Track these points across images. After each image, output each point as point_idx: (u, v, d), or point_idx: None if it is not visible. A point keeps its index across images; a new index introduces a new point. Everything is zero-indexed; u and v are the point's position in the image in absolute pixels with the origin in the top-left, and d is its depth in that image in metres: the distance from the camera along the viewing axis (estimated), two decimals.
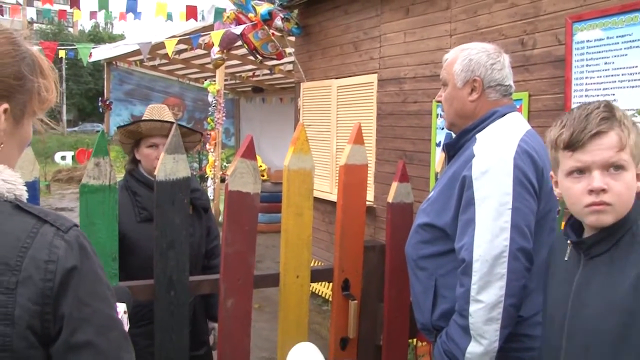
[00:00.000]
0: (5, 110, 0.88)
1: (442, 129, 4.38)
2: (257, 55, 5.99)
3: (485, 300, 1.43)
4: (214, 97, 9.06)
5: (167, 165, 1.71)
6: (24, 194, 0.89)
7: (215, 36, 5.73)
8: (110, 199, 1.67)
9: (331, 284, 2.08)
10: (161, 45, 8.28)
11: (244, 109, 16.57)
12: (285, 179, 1.91)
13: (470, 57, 1.65)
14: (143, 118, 2.35)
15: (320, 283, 5.44)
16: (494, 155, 1.51)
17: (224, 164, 10.94)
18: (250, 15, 5.85)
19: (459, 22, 4.25)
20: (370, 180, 4.74)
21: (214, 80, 9.37)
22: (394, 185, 2.07)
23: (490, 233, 1.44)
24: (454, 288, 1.53)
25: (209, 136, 9.26)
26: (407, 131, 4.74)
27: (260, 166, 10.92)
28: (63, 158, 18.26)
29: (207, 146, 9.13)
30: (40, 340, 0.82)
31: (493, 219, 1.44)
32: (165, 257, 1.73)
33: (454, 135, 1.74)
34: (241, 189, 1.81)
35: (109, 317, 0.89)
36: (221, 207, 10.09)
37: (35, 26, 34.65)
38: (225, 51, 6.96)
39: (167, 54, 10.99)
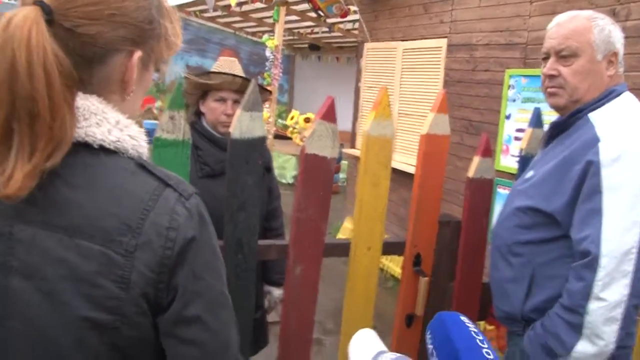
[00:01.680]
0: (139, 58, 0.83)
1: (514, 100, 4.16)
2: (322, 14, 5.83)
3: (608, 299, 1.30)
4: (271, 52, 8.93)
5: (243, 122, 1.62)
6: (145, 152, 0.85)
7: None
8: (183, 154, 1.61)
9: (400, 259, 1.99)
10: None
11: (299, 66, 16.41)
12: (364, 146, 1.81)
13: (609, 29, 1.48)
14: (213, 70, 2.27)
15: (389, 257, 5.38)
16: (626, 141, 1.36)
17: (278, 120, 10.90)
18: None
19: None
20: None
21: (273, 35, 9.24)
22: (476, 159, 1.94)
23: (622, 226, 1.30)
24: (555, 279, 1.41)
25: None
26: (474, 101, 4.53)
27: None
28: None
29: (268, 88, 9.07)
30: (151, 308, 0.79)
31: (626, 211, 1.31)
32: (236, 219, 1.67)
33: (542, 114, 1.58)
34: (318, 153, 1.71)
35: (221, 293, 0.85)
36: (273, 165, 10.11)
37: None
38: None
39: (226, 5, 10.92)
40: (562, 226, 1.42)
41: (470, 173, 1.95)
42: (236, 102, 2.17)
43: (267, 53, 9.09)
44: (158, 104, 14.01)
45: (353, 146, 6.58)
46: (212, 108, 2.18)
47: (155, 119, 15.63)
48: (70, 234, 0.76)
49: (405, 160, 5.37)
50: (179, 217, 0.80)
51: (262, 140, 1.67)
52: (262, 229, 2.34)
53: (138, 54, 0.83)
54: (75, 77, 0.76)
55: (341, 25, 11.59)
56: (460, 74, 4.69)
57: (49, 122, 0.72)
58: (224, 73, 2.18)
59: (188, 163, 1.61)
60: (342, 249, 1.87)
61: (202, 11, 13.18)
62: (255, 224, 1.70)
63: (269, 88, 9.02)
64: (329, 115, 1.71)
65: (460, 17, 4.73)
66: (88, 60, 0.78)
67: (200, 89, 2.20)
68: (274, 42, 8.97)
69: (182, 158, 1.60)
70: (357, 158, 6.37)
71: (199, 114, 2.25)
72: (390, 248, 1.97)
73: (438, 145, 1.91)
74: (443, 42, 4.90)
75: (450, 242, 1.97)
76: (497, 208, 4.14)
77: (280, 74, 9.26)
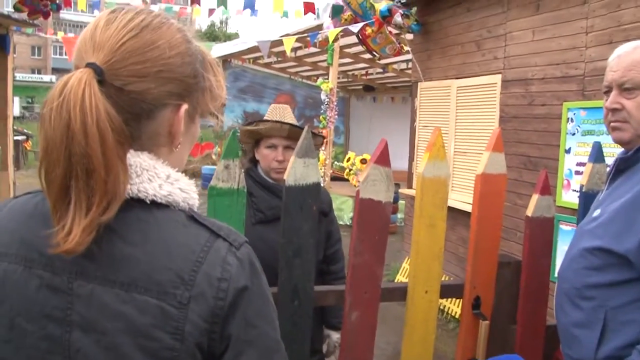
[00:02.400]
0: (185, 111, 0.87)
1: (573, 134, 4.04)
2: (376, 54, 5.93)
3: None
4: (326, 95, 9.10)
5: (297, 169, 1.66)
6: (196, 204, 0.88)
7: (332, 34, 5.71)
8: (238, 202, 1.65)
9: (460, 300, 1.94)
10: (275, 43, 8.45)
11: (354, 108, 16.60)
12: (419, 187, 1.80)
13: None
14: (265, 118, 2.34)
15: (448, 300, 5.26)
16: None
17: (334, 162, 10.98)
18: (368, 30, 5.79)
19: (597, 18, 3.89)
20: None
21: (327, 79, 9.43)
22: (535, 197, 1.89)
23: None
24: (631, 323, 1.33)
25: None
26: (532, 136, 4.44)
27: None
28: None
29: (322, 134, 9.19)
30: (205, 358, 0.81)
31: None
32: (291, 265, 1.68)
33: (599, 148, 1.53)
34: (373, 197, 1.72)
35: (274, 340, 0.86)
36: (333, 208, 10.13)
37: None
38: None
39: (280, 51, 11.26)
40: (637, 268, 1.35)
41: (529, 212, 1.90)
42: (288, 147, 2.21)
43: (322, 96, 9.28)
44: (216, 149, 14.45)
45: (410, 186, 6.54)
46: (264, 155, 2.25)
47: (214, 164, 16.10)
48: (126, 289, 0.78)
49: (463, 198, 5.28)
50: (230, 267, 0.82)
51: (316, 186, 1.69)
52: (322, 273, 2.34)
53: (184, 107, 0.86)
54: (127, 133, 0.79)
55: (395, 66, 11.72)
56: (516, 110, 4.62)
57: (103, 177, 0.75)
58: (272, 121, 2.23)
59: (243, 211, 1.65)
60: (399, 294, 1.84)
61: (257, 58, 13.64)
62: (311, 270, 1.71)
63: (324, 131, 9.17)
64: (383, 159, 1.72)
65: (514, 53, 4.69)
66: (137, 116, 0.82)
67: (252, 137, 2.26)
68: (328, 85, 9.16)
69: (238, 206, 1.64)
70: (414, 198, 6.32)
71: (254, 161, 2.31)
72: (449, 291, 1.93)
73: (495, 185, 1.88)
74: (497, 78, 4.87)
75: (510, 283, 1.91)
76: (560, 245, 4.00)
77: (336, 116, 9.42)
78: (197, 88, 0.88)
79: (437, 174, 1.81)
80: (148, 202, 0.82)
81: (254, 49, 10.82)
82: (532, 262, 1.90)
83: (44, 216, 0.81)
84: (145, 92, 0.80)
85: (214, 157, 15.76)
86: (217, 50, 12.35)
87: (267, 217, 2.15)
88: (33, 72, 47.43)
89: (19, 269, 0.81)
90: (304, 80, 15.76)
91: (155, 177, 0.83)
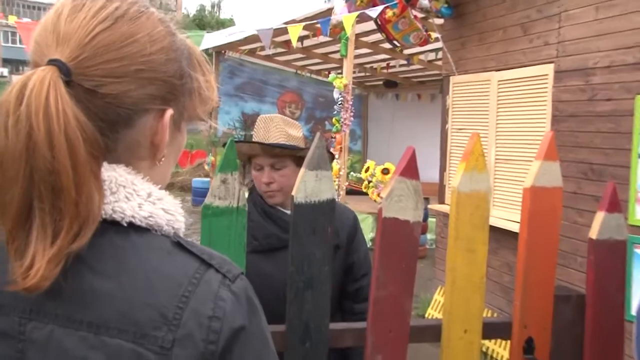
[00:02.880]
0: (171, 117, 0.86)
1: None
2: (398, 44, 5.95)
3: None
4: (340, 93, 9.13)
5: (307, 184, 1.66)
6: (182, 227, 0.87)
7: (347, 20, 5.74)
8: (238, 224, 1.66)
9: (508, 342, 1.93)
10: (278, 32, 8.49)
11: (374, 107, 16.62)
12: (454, 205, 1.79)
13: None
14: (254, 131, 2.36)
15: (492, 341, 5.22)
16: None
17: (350, 173, 10.99)
18: (388, 13, 5.82)
19: None
20: None
21: (340, 73, 9.45)
22: (600, 215, 1.88)
23: None
24: None
25: (333, 140, 9.34)
26: (595, 138, 4.42)
27: None
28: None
29: (331, 151, 9.20)
30: None
31: None
32: (301, 299, 1.68)
33: None
34: (399, 216, 1.72)
35: None
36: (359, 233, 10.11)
37: None
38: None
39: (285, 41, 11.33)
40: None
41: (594, 233, 1.88)
42: (274, 167, 2.24)
43: (335, 94, 9.29)
44: (210, 159, 14.53)
45: (442, 201, 6.53)
46: (253, 177, 2.30)
47: (207, 176, 16.17)
48: (95, 331, 0.76)
49: (507, 216, 5.26)
50: (224, 303, 0.80)
51: (330, 203, 1.70)
52: (345, 312, 2.34)
53: (169, 113, 0.86)
54: (101, 145, 0.78)
55: (421, 56, 11.74)
56: (574, 107, 4.61)
57: (74, 197, 0.73)
58: (249, 142, 2.25)
59: (244, 234, 1.66)
60: (432, 333, 1.83)
61: (256, 49, 13.71)
62: (325, 305, 1.70)
63: (338, 135, 9.19)
64: (410, 170, 1.72)
65: (571, 36, 4.69)
66: (112, 124, 0.81)
67: (240, 157, 2.29)
68: (342, 81, 9.18)
69: (237, 228, 1.64)
70: (446, 215, 6.30)
71: None
72: (494, 330, 1.91)
73: (547, 200, 1.87)
74: (549, 69, 4.87)
75: (572, 322, 1.89)
76: (636, 275, 3.94)
77: (352, 118, 9.43)
78: (183, 90, 0.88)
79: (476, 188, 1.80)
80: (125, 224, 0.81)
81: (253, 39, 10.86)
82: (600, 295, 1.88)
83: None
84: (122, 95, 0.80)
85: (207, 167, 15.84)
86: (209, 40, 12.43)
87: (262, 246, 2.19)
88: None
89: None
90: (313, 76, 15.82)
91: (134, 194, 0.82)
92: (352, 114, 9.43)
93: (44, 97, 0.72)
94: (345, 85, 9.19)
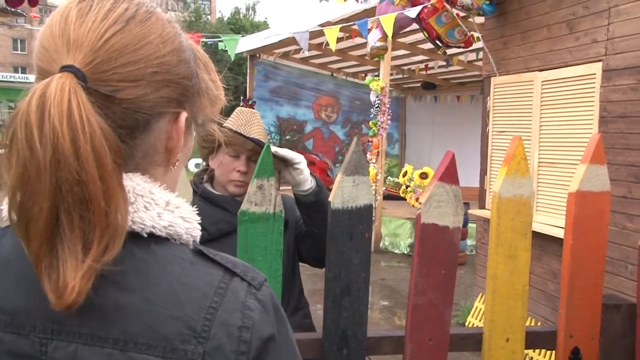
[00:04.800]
0: (185, 120, 0.86)
1: None
2: (441, 44, 5.91)
3: None
4: (377, 96, 9.13)
5: (345, 189, 1.67)
6: (199, 235, 0.87)
7: (386, 21, 5.73)
8: (275, 229, 1.68)
9: (553, 352, 1.91)
10: (314, 34, 8.53)
11: (411, 110, 16.57)
12: (495, 210, 1.79)
13: None
14: (227, 123, 2.34)
15: (536, 351, 5.15)
16: None
17: (387, 177, 10.95)
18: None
19: None
20: None
21: (377, 76, 9.45)
22: None
23: None
24: None
25: (370, 143, 9.34)
26: None
27: None
28: (197, 166, 19.60)
29: (368, 156, 9.21)
30: None
31: None
32: (339, 306, 1.70)
33: None
34: (438, 222, 1.72)
35: None
36: (383, 231, 10.13)
37: (170, 14, 38.21)
38: (387, 37, 6.93)
39: (318, 43, 11.37)
40: None
41: None
42: (250, 158, 2.24)
43: (372, 97, 9.31)
44: None
45: (482, 206, 6.47)
46: (223, 163, 2.25)
47: None
48: (122, 347, 0.75)
49: (550, 221, 5.19)
50: (252, 312, 0.80)
51: (368, 209, 1.71)
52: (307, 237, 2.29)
53: (184, 116, 0.86)
54: (123, 153, 0.77)
55: (461, 57, 11.67)
56: (624, 107, 4.53)
57: (103, 207, 0.72)
58: (233, 131, 2.23)
59: (281, 241, 1.68)
60: (473, 342, 1.83)
61: (290, 52, 13.78)
62: (364, 312, 1.72)
63: (375, 139, 9.18)
64: (450, 175, 1.72)
65: (622, 32, 4.60)
66: (131, 130, 0.80)
67: (212, 143, 2.26)
68: (379, 84, 9.19)
69: (274, 235, 1.67)
70: (487, 220, 6.25)
71: (206, 170, 2.34)
72: (537, 340, 1.90)
73: (594, 205, 1.85)
74: (597, 67, 4.79)
75: (622, 333, 1.87)
76: None
77: (389, 122, 9.42)
78: (194, 91, 0.88)
79: (518, 193, 1.80)
80: (145, 235, 0.80)
81: (288, 41, 10.95)
82: None
83: (4, 262, 0.79)
84: (139, 100, 0.79)
85: None
86: (245, 44, 12.50)
87: (212, 234, 2.14)
88: (16, 71, 48.56)
89: None
90: (349, 78, 15.84)
91: (153, 204, 0.81)
92: (389, 117, 9.42)
93: (66, 106, 0.71)
94: (382, 88, 9.19)
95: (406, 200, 10.93)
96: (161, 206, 0.82)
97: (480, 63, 9.80)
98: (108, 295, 0.76)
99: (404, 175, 11.46)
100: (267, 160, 1.67)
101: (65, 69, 0.75)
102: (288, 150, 2.07)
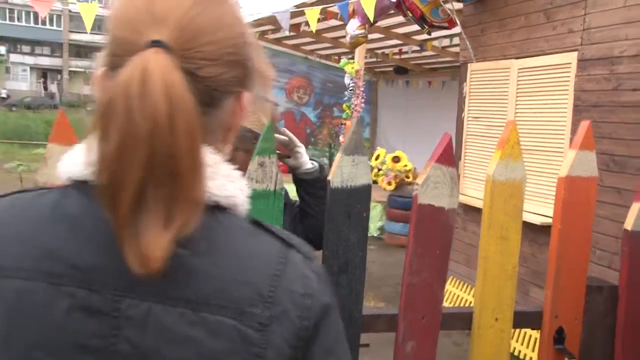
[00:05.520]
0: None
1: None
2: (425, 24, 5.93)
3: None
4: (351, 79, 9.13)
5: (344, 168, 1.70)
6: (248, 208, 0.90)
7: (367, 4, 5.70)
8: (275, 207, 1.70)
9: (533, 333, 1.97)
10: (293, 15, 8.46)
11: (383, 94, 16.59)
12: (488, 193, 1.84)
13: None
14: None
15: (517, 332, 5.25)
16: None
17: None
18: None
19: None
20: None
21: (352, 58, 9.45)
22: (636, 207, 1.92)
23: None
24: None
25: (343, 126, 9.36)
26: (619, 129, 4.45)
27: (405, 165, 10.90)
28: None
29: (341, 138, 9.24)
30: None
31: None
32: (336, 284, 1.73)
33: None
34: (434, 203, 1.76)
35: None
36: None
37: None
38: (367, 25, 6.93)
39: (295, 25, 11.28)
40: None
41: (629, 225, 1.92)
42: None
43: (346, 80, 9.29)
44: None
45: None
46: (240, 161, 2.26)
47: None
48: (194, 308, 0.78)
49: (525, 207, 5.29)
50: (311, 282, 0.85)
51: (367, 188, 1.74)
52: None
53: (247, 95, 0.89)
54: (203, 129, 0.80)
55: (435, 43, 11.72)
56: (597, 96, 4.63)
57: (190, 182, 0.76)
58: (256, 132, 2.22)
59: (281, 218, 1.70)
60: (463, 320, 1.88)
61: (264, 33, 13.68)
62: (360, 290, 1.75)
63: (348, 122, 9.21)
64: (446, 157, 1.76)
65: (597, 23, 4.70)
66: (207, 106, 0.83)
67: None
68: (354, 67, 9.18)
69: (274, 212, 1.69)
70: (460, 205, 6.33)
71: None
72: (524, 319, 1.96)
73: (583, 191, 1.91)
74: (572, 57, 4.89)
75: (604, 314, 1.94)
76: None
77: (363, 105, 9.44)
78: (253, 71, 0.91)
79: (511, 177, 1.85)
80: (211, 203, 0.83)
81: (263, 22, 10.86)
82: (633, 287, 1.92)
83: (74, 220, 0.80)
84: (217, 78, 0.82)
85: None
86: None
87: None
88: None
89: (40, 286, 0.78)
90: (322, 60, 15.78)
91: (217, 174, 0.84)
92: (363, 100, 9.44)
93: (167, 81, 0.74)
94: (357, 71, 9.19)
95: (377, 183, 11.03)
96: (225, 177, 0.85)
97: (453, 49, 9.86)
98: (179, 259, 0.78)
99: (376, 159, 11.54)
100: (268, 137, 1.68)
101: (156, 44, 0.77)
102: (288, 133, 2.08)
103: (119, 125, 0.73)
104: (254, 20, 11.27)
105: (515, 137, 1.84)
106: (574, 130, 4.75)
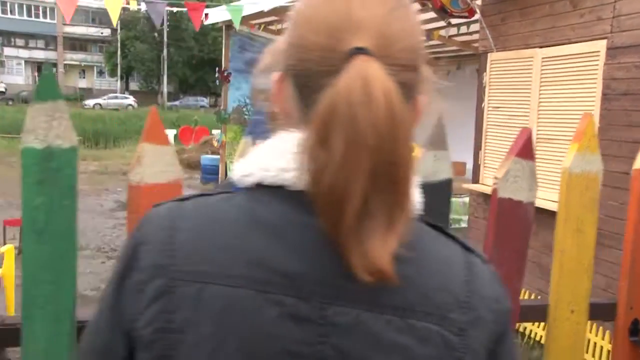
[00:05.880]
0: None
1: None
2: (445, 14, 5.94)
3: None
4: None
5: (427, 164, 1.71)
6: None
7: None
8: None
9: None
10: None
11: None
12: (564, 185, 1.85)
13: None
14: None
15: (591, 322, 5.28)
16: None
17: None
18: None
19: None
20: None
21: None
22: None
23: None
24: None
25: None
26: None
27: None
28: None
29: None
30: None
31: None
32: None
33: None
34: (513, 197, 1.77)
35: None
36: None
37: None
38: None
39: None
40: None
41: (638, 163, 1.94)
42: None
43: None
44: (221, 136, 14.46)
45: (476, 180, 6.57)
46: None
47: (214, 153, 16.08)
48: (401, 315, 0.79)
49: (546, 196, 5.29)
50: (497, 287, 0.87)
51: (448, 184, 1.75)
52: None
53: (423, 100, 0.87)
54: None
55: (442, 32, 11.68)
56: (628, 84, 4.63)
57: (407, 189, 0.76)
58: None
59: None
60: (539, 312, 1.89)
61: (269, 23, 13.63)
62: None
63: None
64: (526, 151, 1.76)
65: (629, 10, 4.68)
66: None
67: None
68: None
69: None
70: (482, 195, 6.35)
71: None
72: (598, 311, 1.97)
73: None
74: (601, 45, 4.88)
75: None
76: None
77: None
78: (424, 75, 0.89)
79: (588, 169, 1.85)
80: None
81: (271, 11, 10.80)
82: None
83: (273, 227, 0.80)
84: (407, 85, 0.81)
85: (216, 144, 15.82)
86: (217, 13, 12.23)
87: None
88: None
89: (248, 294, 0.78)
90: None
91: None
92: None
93: (385, 89, 0.74)
94: None
95: None
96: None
97: (459, 38, 9.83)
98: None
99: None
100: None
101: (360, 51, 0.76)
102: None
103: (344, 134, 0.72)
104: (258, 12, 11.22)
105: (592, 129, 1.85)
106: (603, 118, 4.78)
